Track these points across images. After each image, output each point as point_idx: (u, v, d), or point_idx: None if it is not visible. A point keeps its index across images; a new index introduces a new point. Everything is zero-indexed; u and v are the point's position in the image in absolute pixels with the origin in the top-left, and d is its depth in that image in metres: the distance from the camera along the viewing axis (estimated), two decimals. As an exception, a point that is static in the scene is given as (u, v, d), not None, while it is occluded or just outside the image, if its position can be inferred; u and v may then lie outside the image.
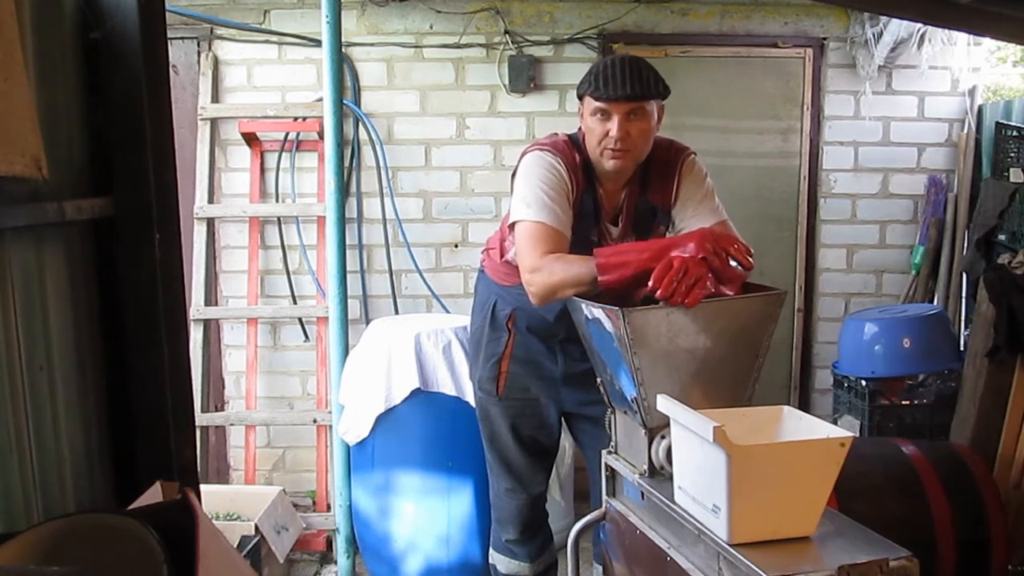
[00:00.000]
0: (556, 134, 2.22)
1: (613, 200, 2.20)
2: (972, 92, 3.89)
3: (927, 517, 2.48)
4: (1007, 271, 3.08)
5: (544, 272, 1.96)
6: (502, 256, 2.34)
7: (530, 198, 2.05)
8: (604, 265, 1.84)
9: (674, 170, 2.18)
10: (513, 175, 2.19)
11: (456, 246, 3.85)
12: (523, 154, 2.17)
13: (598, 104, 2.05)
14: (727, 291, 1.78)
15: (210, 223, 3.71)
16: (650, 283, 1.73)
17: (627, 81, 2.01)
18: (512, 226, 2.11)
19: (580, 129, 2.20)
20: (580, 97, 2.13)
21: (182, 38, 3.69)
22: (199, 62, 3.72)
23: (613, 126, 2.03)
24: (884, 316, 3.56)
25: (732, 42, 3.85)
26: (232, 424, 3.73)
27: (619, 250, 1.91)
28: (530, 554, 2.51)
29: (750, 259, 1.80)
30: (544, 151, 2.12)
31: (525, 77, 3.71)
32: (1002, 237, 3.50)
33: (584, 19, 3.76)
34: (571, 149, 2.14)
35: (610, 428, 2.01)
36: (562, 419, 2.48)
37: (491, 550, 2.59)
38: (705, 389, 1.78)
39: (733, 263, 1.78)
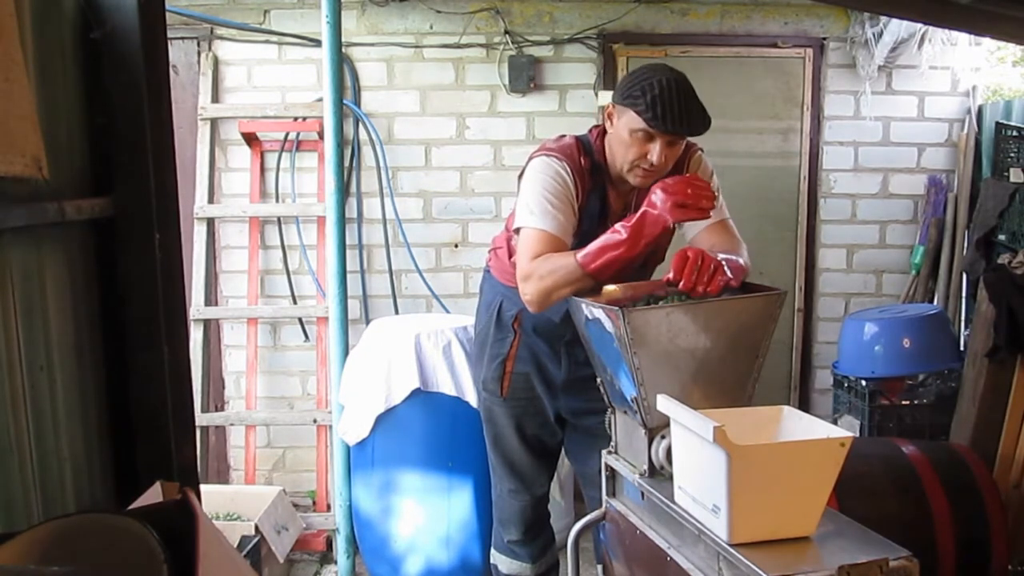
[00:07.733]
0: (564, 136, 2.20)
1: (623, 200, 2.20)
2: (972, 92, 3.89)
3: (927, 517, 2.49)
4: (1007, 271, 3.08)
5: (535, 277, 1.98)
6: (510, 256, 2.32)
7: (533, 204, 2.06)
8: (589, 264, 1.91)
9: (683, 167, 2.18)
10: (520, 176, 2.18)
11: (456, 246, 3.85)
12: (530, 158, 2.17)
13: (646, 128, 1.97)
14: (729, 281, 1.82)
15: (210, 223, 3.71)
16: (671, 275, 1.78)
17: (684, 116, 1.96)
18: (517, 230, 2.12)
19: (591, 130, 2.19)
20: (620, 105, 2.02)
21: (182, 38, 3.69)
22: (199, 62, 3.72)
23: (655, 153, 2.00)
24: (884, 316, 3.56)
25: (732, 42, 3.84)
26: (232, 424, 3.73)
27: (596, 246, 1.95)
28: (532, 555, 2.51)
29: (714, 201, 1.88)
30: (551, 156, 2.10)
31: (525, 77, 3.71)
32: (1002, 237, 3.50)
33: (584, 19, 3.76)
34: (579, 153, 2.12)
35: (610, 428, 2.02)
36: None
37: (492, 550, 2.59)
38: (705, 389, 1.78)
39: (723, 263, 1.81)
